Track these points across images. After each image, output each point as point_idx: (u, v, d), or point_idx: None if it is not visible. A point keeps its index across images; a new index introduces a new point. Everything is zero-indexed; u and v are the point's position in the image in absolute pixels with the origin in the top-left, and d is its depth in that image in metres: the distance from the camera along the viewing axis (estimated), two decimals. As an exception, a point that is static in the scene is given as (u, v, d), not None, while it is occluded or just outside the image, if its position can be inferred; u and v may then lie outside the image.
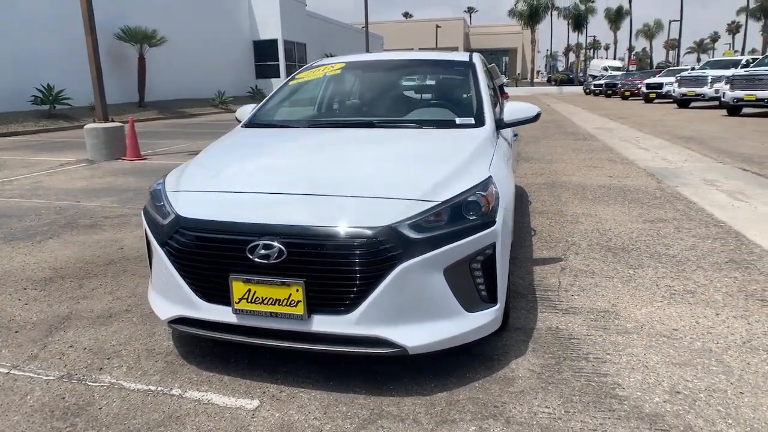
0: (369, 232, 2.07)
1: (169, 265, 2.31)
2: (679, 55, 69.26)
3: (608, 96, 33.05)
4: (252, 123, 3.58)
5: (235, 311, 2.20)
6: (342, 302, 2.11)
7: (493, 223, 2.26)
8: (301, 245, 2.09)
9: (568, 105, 26.24)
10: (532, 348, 2.63)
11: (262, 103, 3.80)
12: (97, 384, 2.39)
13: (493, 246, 2.25)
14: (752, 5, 66.50)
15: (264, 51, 31.35)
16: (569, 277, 3.57)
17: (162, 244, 2.33)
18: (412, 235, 2.10)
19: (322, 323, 2.14)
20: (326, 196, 2.28)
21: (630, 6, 70.26)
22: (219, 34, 28.07)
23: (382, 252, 2.05)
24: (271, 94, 3.90)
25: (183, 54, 24.89)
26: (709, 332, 2.77)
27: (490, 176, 2.45)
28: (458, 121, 3.21)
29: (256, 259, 2.11)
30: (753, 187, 6.32)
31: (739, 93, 15.79)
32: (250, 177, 2.58)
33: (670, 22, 79.53)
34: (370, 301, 2.08)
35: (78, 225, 5.21)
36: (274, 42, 31.01)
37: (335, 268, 2.08)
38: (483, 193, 2.31)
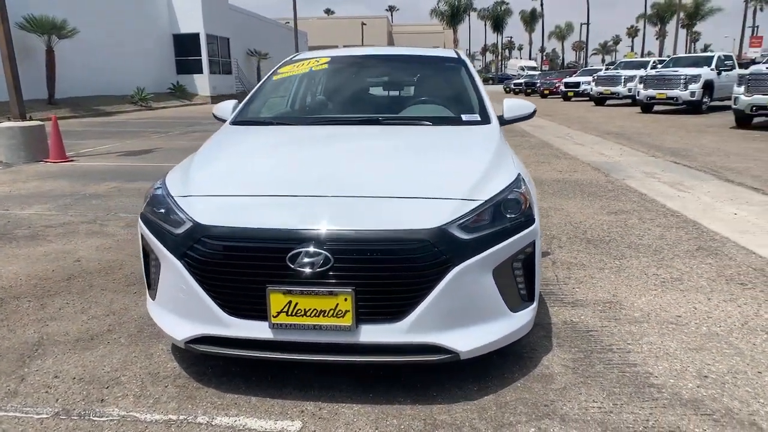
0: (422, 235, 1.96)
1: (188, 279, 2.07)
2: (586, 56, 74.01)
3: (528, 94, 34.68)
4: (242, 121, 3.33)
5: (273, 326, 2.01)
6: (393, 310, 2.00)
7: (533, 220, 2.23)
8: (349, 251, 1.94)
9: (495, 104, 27.20)
10: (556, 343, 2.65)
11: (247, 98, 3.54)
12: (104, 418, 2.09)
13: (533, 244, 2.22)
14: (649, 12, 72.57)
15: (185, 45, 29.77)
16: (563, 270, 3.65)
17: (180, 256, 2.08)
18: (463, 236, 2.02)
19: (371, 333, 2.01)
20: (365, 198, 2.13)
21: (542, 9, 74.21)
22: (135, 25, 26.30)
23: (436, 255, 1.96)
24: (254, 89, 3.65)
25: (96, 47, 23.07)
26: (709, 317, 2.93)
27: (519, 173, 2.42)
28: (464, 117, 3.17)
29: (299, 268, 1.94)
30: (689, 178, 6.84)
31: (651, 92, 17.12)
32: (271, 178, 2.37)
33: (581, 24, 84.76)
34: (424, 307, 1.98)
35: (16, 236, 4.63)
36: (196, 36, 29.54)
37: (388, 274, 1.95)
38: (520, 190, 2.28)
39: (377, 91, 3.79)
